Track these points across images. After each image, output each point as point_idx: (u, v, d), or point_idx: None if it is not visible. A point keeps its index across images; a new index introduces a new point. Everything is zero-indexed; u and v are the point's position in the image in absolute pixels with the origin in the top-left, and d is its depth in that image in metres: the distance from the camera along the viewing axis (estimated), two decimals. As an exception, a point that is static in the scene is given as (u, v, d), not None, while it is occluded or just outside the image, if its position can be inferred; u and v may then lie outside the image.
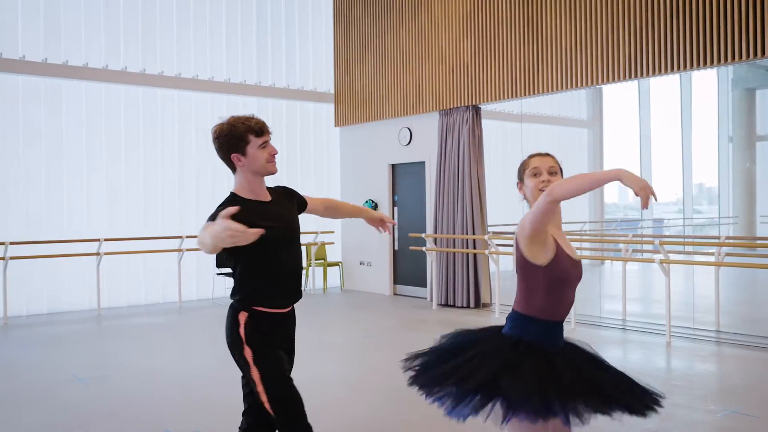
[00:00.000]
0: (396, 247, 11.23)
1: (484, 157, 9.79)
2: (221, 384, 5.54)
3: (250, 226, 2.54)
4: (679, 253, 9.01)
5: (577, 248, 9.43)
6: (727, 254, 7.90)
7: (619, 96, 14.72)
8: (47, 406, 5.16)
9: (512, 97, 9.16)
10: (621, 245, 9.07)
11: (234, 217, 2.52)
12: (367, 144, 11.71)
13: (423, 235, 9.82)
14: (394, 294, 11.19)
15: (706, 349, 6.86)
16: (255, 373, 2.72)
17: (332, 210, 3.31)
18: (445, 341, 2.78)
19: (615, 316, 8.62)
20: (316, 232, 11.79)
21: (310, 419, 2.76)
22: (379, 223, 3.36)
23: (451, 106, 9.93)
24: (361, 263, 11.81)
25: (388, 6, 11.04)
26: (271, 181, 3.09)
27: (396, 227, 11.12)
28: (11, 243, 8.84)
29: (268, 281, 2.81)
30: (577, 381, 2.51)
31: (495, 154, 10.69)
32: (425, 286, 10.57)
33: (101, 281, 9.55)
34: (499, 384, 2.44)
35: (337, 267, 12.20)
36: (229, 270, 10.76)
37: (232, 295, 2.87)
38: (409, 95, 10.69)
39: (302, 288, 3.04)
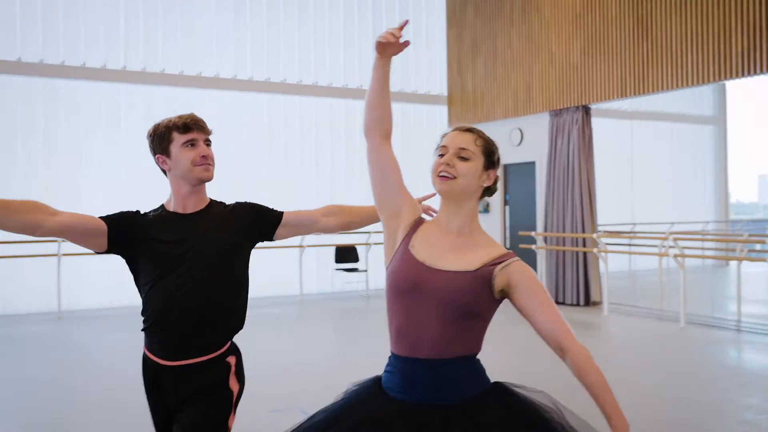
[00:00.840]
0: (508, 245, 11.43)
1: (594, 155, 9.84)
2: (337, 369, 6.04)
3: (140, 238, 2.28)
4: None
5: (689, 247, 9.31)
6: None
7: (747, 91, 14.19)
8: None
9: (622, 96, 9.17)
10: (738, 245, 8.89)
11: (123, 229, 2.27)
12: (479, 144, 11.95)
13: (532, 233, 9.99)
14: (505, 291, 11.39)
15: (823, 351, 6.70)
16: None
17: (340, 216, 2.59)
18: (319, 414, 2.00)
19: (730, 316, 8.48)
20: (429, 231, 12.17)
21: None
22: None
23: (561, 107, 10.04)
24: (473, 261, 12.07)
25: (499, 9, 11.26)
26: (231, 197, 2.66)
27: (507, 226, 11.35)
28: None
29: (149, 316, 2.28)
30: None
31: (606, 153, 10.69)
32: (536, 283, 10.70)
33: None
34: None
35: (450, 264, 12.53)
36: (350, 265, 11.37)
37: None
38: (520, 96, 10.88)
39: (211, 340, 2.27)
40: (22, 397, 5.34)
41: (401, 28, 1.92)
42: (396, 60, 8.56)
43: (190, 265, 2.24)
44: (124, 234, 2.26)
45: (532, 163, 10.84)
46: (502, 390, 1.94)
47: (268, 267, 11.13)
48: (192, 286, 2.23)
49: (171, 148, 2.29)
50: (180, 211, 2.34)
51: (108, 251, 2.28)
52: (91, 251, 2.31)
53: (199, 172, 2.29)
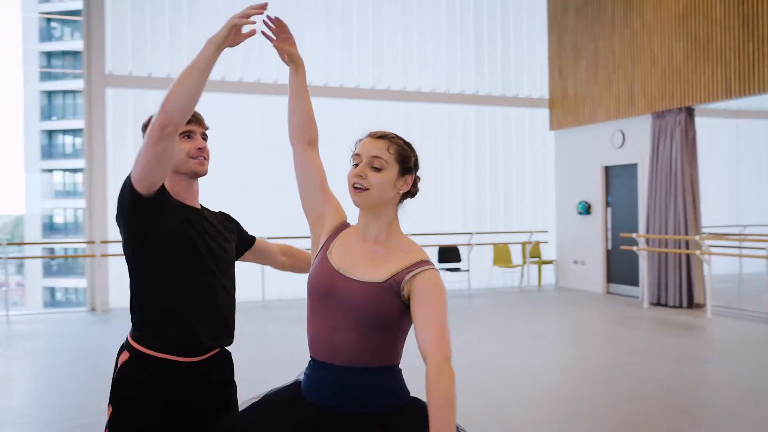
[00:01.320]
0: (609, 247, 11.48)
1: (698, 156, 9.79)
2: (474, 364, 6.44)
3: (181, 224, 2.13)
4: None
5: (748, 248, 9.12)
6: None
7: None
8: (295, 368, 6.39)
9: (727, 97, 9.11)
10: None
11: (165, 191, 2.12)
12: (581, 147, 12.07)
13: (634, 235, 10.04)
14: (607, 292, 11.45)
15: None
16: None
17: (292, 258, 2.59)
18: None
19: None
20: (530, 231, 12.38)
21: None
22: None
23: (664, 108, 10.04)
24: (575, 262, 12.19)
25: (601, 12, 11.34)
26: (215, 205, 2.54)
27: (609, 227, 11.41)
28: (270, 238, 10.48)
29: (169, 310, 2.09)
30: None
31: (711, 153, 10.57)
32: (638, 285, 10.74)
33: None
34: None
35: (552, 265, 12.68)
36: (452, 265, 11.73)
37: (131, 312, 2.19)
38: (622, 99, 10.92)
39: (230, 332, 2.24)
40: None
41: (261, 7, 1.97)
42: (498, 65, 9.01)
43: (213, 258, 2.19)
44: (168, 199, 2.14)
45: (634, 165, 10.86)
46: (420, 405, 1.90)
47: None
48: (212, 278, 2.17)
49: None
50: (190, 204, 2.24)
51: (149, 200, 2.07)
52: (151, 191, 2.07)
53: (193, 165, 2.21)
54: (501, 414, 4.85)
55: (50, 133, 37.18)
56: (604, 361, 6.62)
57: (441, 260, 11.80)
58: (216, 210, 2.39)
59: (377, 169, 1.90)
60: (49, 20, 37.39)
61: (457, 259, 11.90)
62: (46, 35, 37.80)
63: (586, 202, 11.76)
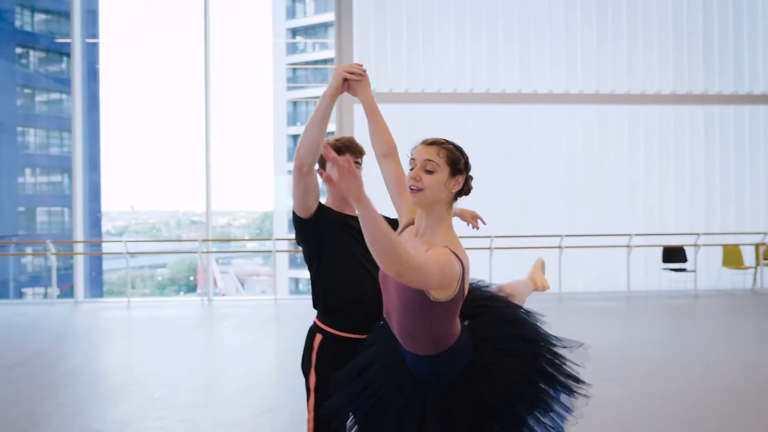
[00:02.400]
0: None
1: None
2: (662, 356, 6.82)
3: (335, 224, 2.63)
4: None
5: None
6: None
7: None
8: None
9: None
10: None
11: (323, 210, 2.63)
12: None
13: None
14: None
15: None
16: (311, 402, 2.61)
17: None
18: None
19: None
20: (765, 233, 11.97)
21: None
22: (471, 219, 2.95)
23: None
24: (816, 265, 11.61)
25: None
26: None
27: None
28: (495, 237, 11.27)
29: (345, 299, 2.63)
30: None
31: None
32: None
33: (562, 270, 11.47)
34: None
35: (789, 267, 12.14)
36: (677, 265, 11.73)
37: (314, 307, 2.72)
38: None
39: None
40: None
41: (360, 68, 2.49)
42: (729, 61, 9.38)
43: (368, 256, 2.50)
44: (325, 213, 2.64)
45: None
46: (476, 374, 2.18)
47: (597, 264, 12.00)
48: (371, 273, 2.60)
49: (327, 165, 2.66)
50: (350, 213, 2.70)
51: (310, 221, 2.62)
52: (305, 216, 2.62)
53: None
54: (721, 415, 5.23)
55: (295, 138, 40.94)
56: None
57: (665, 260, 11.85)
58: None
59: (430, 172, 2.13)
60: (294, 35, 41.28)
61: (683, 259, 11.86)
62: (291, 49, 41.75)
63: (828, 203, 11.18)
